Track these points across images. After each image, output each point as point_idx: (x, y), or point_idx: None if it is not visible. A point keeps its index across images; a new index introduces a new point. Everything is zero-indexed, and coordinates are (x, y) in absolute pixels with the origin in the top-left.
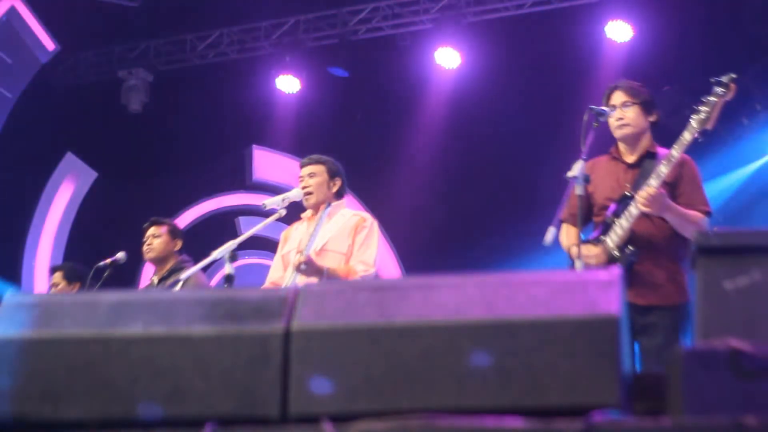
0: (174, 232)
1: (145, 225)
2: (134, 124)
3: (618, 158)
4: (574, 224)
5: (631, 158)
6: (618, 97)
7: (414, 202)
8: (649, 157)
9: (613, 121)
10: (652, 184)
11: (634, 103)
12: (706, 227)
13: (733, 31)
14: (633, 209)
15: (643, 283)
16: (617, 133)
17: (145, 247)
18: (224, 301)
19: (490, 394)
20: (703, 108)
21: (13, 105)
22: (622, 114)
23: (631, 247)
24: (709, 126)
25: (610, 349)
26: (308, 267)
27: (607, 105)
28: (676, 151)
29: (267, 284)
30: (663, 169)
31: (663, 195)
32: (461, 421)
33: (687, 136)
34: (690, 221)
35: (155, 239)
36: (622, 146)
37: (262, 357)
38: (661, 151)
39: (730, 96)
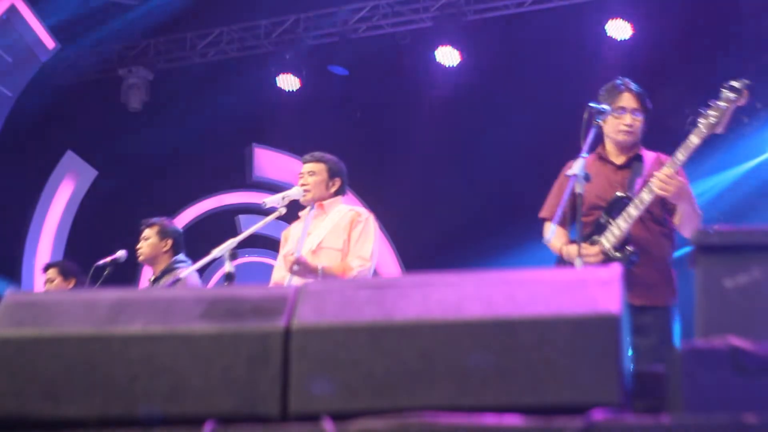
0: (163, 232)
1: (141, 227)
2: (134, 123)
3: (606, 159)
4: (560, 223)
5: (619, 160)
6: (629, 101)
7: (413, 200)
8: (636, 160)
9: (619, 124)
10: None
11: (642, 112)
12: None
13: (733, 29)
14: (633, 210)
15: (638, 284)
16: (620, 137)
17: (137, 251)
18: (224, 300)
19: (489, 392)
20: (712, 112)
21: (13, 103)
22: (633, 121)
23: (630, 248)
24: (719, 130)
25: (610, 347)
26: (301, 268)
27: (612, 102)
28: (681, 155)
29: (271, 285)
30: (667, 171)
31: (684, 182)
32: (461, 420)
33: (694, 140)
34: (697, 215)
35: (144, 242)
36: (611, 147)
37: (262, 355)
38: (646, 153)
39: (742, 102)
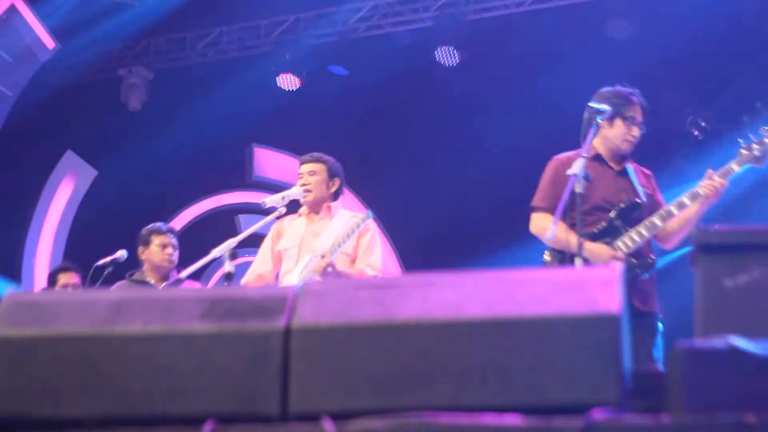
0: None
1: (165, 231)
2: (134, 122)
3: (604, 162)
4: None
5: (617, 167)
6: (639, 114)
7: (413, 200)
8: (627, 168)
9: (627, 134)
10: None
11: (644, 126)
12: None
13: (733, 29)
14: (657, 220)
15: (644, 290)
16: (624, 145)
17: (169, 257)
18: (224, 300)
19: (489, 391)
20: (756, 146)
21: (13, 103)
22: (638, 134)
23: (652, 258)
24: (760, 164)
25: (610, 347)
26: (332, 271)
27: (624, 110)
28: (719, 176)
29: (252, 276)
30: (722, 180)
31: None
32: (461, 419)
33: (734, 168)
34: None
35: (175, 251)
36: (606, 152)
37: (263, 355)
38: (629, 164)
39: None
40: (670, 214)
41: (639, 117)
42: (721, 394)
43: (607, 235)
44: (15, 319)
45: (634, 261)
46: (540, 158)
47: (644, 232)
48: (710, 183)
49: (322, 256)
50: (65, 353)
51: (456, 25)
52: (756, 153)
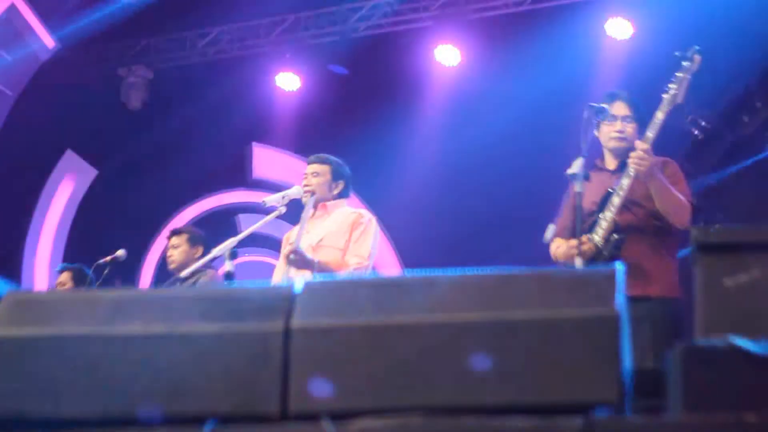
0: (193, 240)
1: (167, 236)
2: (134, 122)
3: (602, 168)
4: (566, 237)
5: (613, 165)
6: (619, 109)
7: (414, 200)
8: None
9: (611, 131)
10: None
11: (634, 120)
12: (689, 215)
13: (734, 29)
14: (615, 199)
15: (631, 273)
16: (611, 144)
17: (167, 258)
18: (224, 299)
19: (489, 391)
20: (672, 86)
21: (13, 103)
22: (623, 128)
23: (616, 235)
24: (679, 101)
25: (610, 346)
26: (297, 257)
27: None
28: (651, 132)
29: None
30: (643, 146)
31: (654, 163)
32: (461, 419)
33: (659, 116)
34: (675, 198)
35: (175, 250)
36: (608, 156)
37: (263, 355)
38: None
39: (695, 68)
40: (622, 188)
41: (621, 111)
42: (721, 394)
43: (590, 231)
44: (15, 318)
45: (600, 243)
46: (540, 158)
47: (608, 215)
48: (632, 157)
49: (290, 244)
50: (66, 353)
51: (456, 25)
52: (672, 92)
